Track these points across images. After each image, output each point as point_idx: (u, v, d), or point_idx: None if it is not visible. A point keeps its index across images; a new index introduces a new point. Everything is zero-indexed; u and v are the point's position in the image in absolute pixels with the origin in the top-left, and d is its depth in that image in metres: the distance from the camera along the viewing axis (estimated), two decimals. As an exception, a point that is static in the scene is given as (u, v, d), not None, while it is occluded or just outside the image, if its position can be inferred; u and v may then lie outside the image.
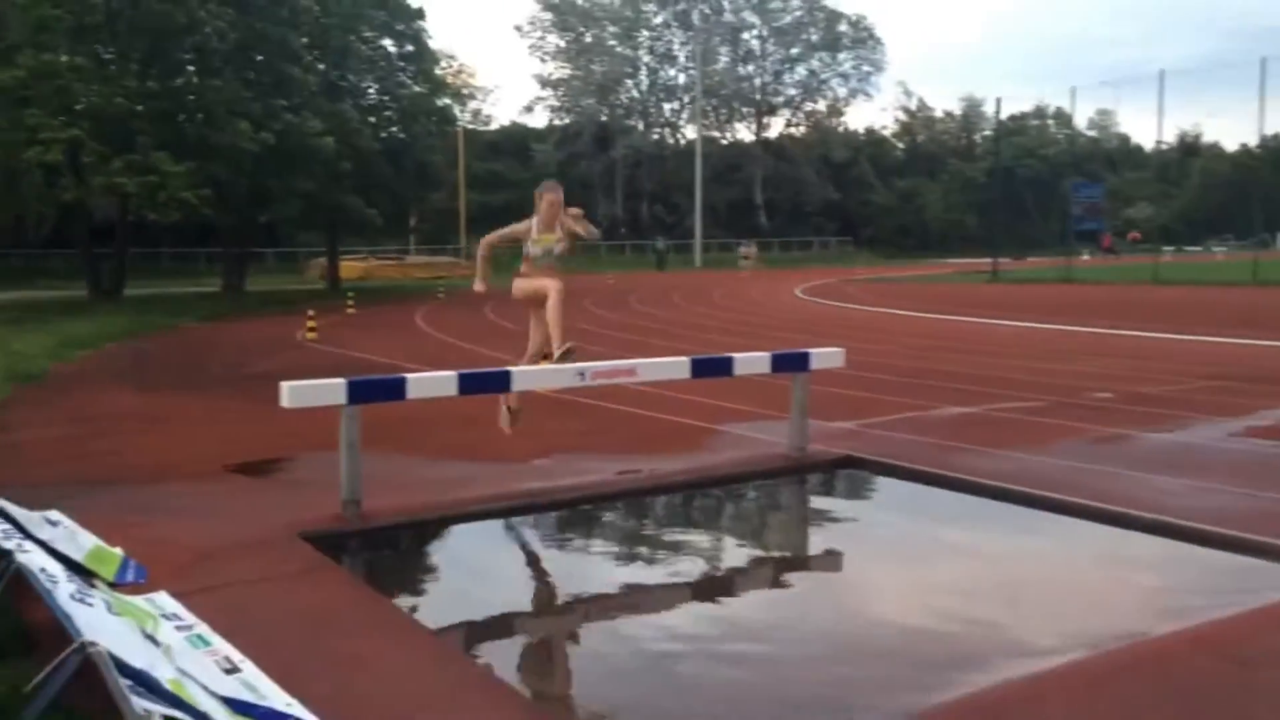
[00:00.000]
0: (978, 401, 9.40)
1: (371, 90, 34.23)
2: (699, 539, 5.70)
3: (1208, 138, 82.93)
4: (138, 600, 3.79)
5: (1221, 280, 31.37)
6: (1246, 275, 30.84)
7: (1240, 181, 67.40)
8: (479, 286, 6.75)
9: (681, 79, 72.38)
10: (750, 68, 74.31)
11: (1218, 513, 5.33)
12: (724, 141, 73.89)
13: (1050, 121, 79.20)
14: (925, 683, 3.46)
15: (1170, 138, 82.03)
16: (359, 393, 5.42)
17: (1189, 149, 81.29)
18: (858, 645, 3.97)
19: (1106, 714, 3.14)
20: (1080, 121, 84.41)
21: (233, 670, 3.26)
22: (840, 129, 76.26)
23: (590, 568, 5.03)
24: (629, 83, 72.91)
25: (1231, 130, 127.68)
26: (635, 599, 4.52)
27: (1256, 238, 50.83)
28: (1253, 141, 72.54)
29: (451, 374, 5.78)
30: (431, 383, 5.84)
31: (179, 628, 3.62)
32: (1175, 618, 3.96)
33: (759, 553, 5.44)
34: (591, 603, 4.52)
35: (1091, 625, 3.99)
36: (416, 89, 34.47)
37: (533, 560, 5.30)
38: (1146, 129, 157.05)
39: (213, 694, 2.86)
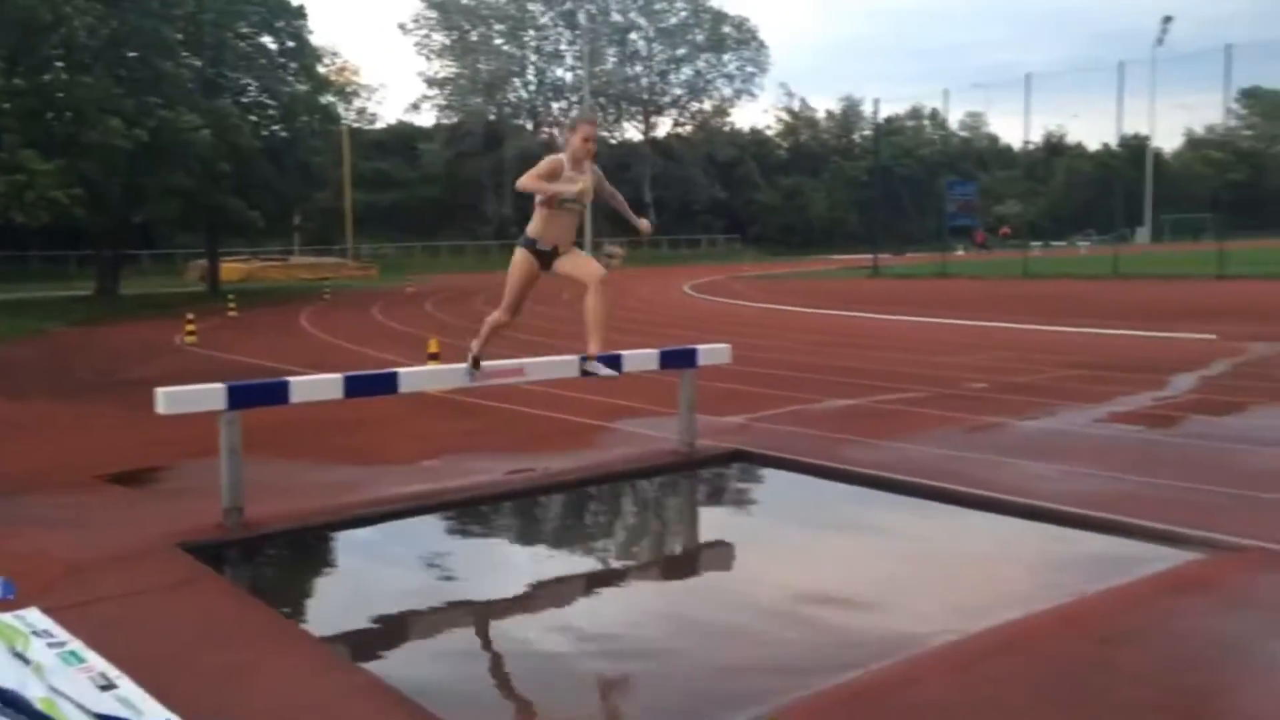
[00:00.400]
0: (861, 394, 9.62)
1: (251, 87, 33.20)
2: (591, 536, 5.70)
3: (1071, 138, 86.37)
4: (6, 618, 3.60)
5: (1085, 274, 32.75)
6: (1108, 269, 32.27)
7: (1102, 179, 70.57)
8: (574, 189, 5.35)
9: (569, 78, 72.31)
10: (637, 68, 74.65)
11: (1084, 496, 5.56)
12: (613, 141, 74.00)
13: (926, 122, 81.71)
14: (810, 670, 3.53)
15: (1037, 138, 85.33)
16: (239, 397, 5.26)
17: (1054, 149, 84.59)
18: (746, 635, 4.02)
19: (978, 692, 3.24)
20: (953, 122, 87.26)
21: (108, 687, 3.12)
22: (726, 129, 77.19)
23: (482, 569, 4.98)
24: (516, 82, 72.48)
25: (1093, 130, 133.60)
26: (527, 599, 4.49)
27: (1117, 233, 53.32)
28: (1113, 141, 76.13)
29: (337, 376, 5.66)
30: (316, 386, 5.70)
31: (51, 645, 3.44)
32: (1045, 599, 4.12)
33: (650, 548, 5.47)
34: (483, 604, 4.47)
35: (968, 608, 4.12)
36: (299, 86, 33.57)
37: (422, 563, 5.21)
38: (1015, 129, 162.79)
39: (88, 712, 2.74)
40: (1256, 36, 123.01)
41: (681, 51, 74.53)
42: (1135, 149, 70.60)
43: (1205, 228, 58.58)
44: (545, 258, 5.52)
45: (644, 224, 5.88)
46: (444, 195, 66.26)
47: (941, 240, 48.23)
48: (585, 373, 5.84)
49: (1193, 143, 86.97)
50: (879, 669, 3.46)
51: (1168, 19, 71.14)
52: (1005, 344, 14.28)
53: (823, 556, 5.00)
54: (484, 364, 5.93)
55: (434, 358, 10.33)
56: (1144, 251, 47.50)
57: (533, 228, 5.53)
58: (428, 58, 70.34)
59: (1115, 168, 67.13)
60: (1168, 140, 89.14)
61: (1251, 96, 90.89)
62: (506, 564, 5.05)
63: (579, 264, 5.56)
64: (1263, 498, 5.49)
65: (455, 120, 69.67)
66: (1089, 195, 72.04)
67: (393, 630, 4.17)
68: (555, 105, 74.19)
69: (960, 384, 10.16)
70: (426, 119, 71.26)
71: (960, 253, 52.12)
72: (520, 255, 5.56)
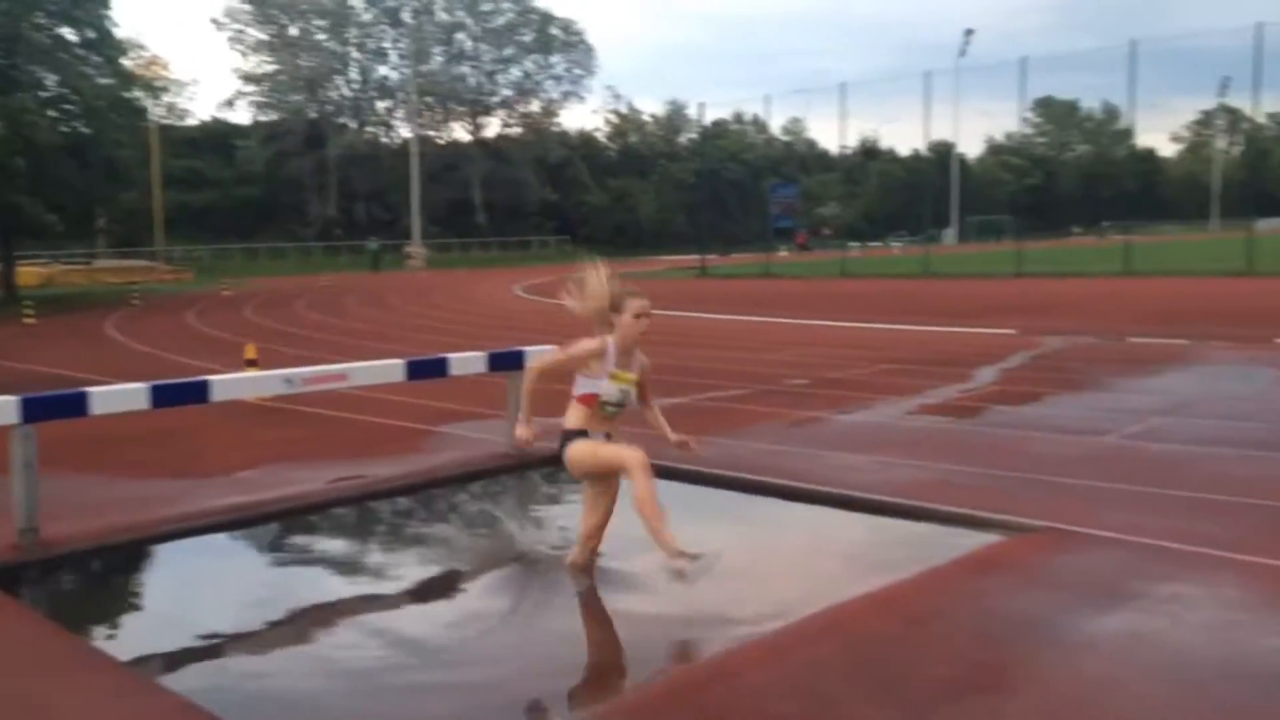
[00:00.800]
0: (687, 392, 9.79)
1: (50, 81, 31.05)
2: (418, 544, 5.59)
3: (885, 143, 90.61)
4: None
5: (899, 273, 34.34)
6: (919, 268, 33.93)
7: (912, 183, 74.22)
8: (523, 433, 4.46)
9: (395, 77, 70.82)
10: (465, 67, 73.76)
11: (897, 484, 5.82)
12: (440, 141, 72.93)
13: (749, 126, 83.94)
14: (636, 669, 3.56)
15: (853, 143, 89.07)
16: (34, 410, 4.91)
17: (869, 153, 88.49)
18: (570, 637, 4.02)
19: (795, 677, 3.34)
20: (775, 127, 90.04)
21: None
22: (555, 130, 77.22)
23: (303, 582, 4.81)
24: (339, 79, 70.44)
25: (905, 136, 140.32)
26: (350, 610, 4.36)
27: (926, 234, 56.15)
28: (922, 147, 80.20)
29: (141, 386, 5.34)
30: (118, 396, 5.37)
31: None
32: (859, 584, 4.28)
33: (479, 553, 5.40)
34: (302, 618, 4.31)
35: (788, 597, 4.24)
36: (102, 81, 31.61)
37: (239, 579, 4.99)
38: (833, 134, 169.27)
39: None
40: (1050, 50, 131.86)
41: (509, 52, 74.12)
42: (942, 154, 74.57)
43: (1005, 229, 62.35)
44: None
45: (684, 440, 4.70)
46: (263, 195, 63.80)
47: (766, 241, 49.71)
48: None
49: (993, 149, 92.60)
50: (699, 663, 3.52)
51: (969, 32, 75.48)
52: (825, 341, 14.80)
53: (647, 554, 5.05)
54: (305, 369, 5.72)
55: (252, 364, 9.91)
56: (951, 251, 50.19)
57: (570, 420, 4.47)
58: (243, 53, 67.55)
59: (924, 172, 70.69)
60: (972, 146, 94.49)
61: (1044, 106, 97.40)
62: (329, 576, 4.89)
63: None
64: (1057, 481, 5.87)
65: (274, 118, 67.17)
66: (901, 198, 75.66)
67: (204, 649, 3.97)
68: (381, 104, 72.57)
69: (782, 381, 10.47)
70: (243, 116, 68.55)
71: (783, 253, 53.81)
72: (573, 449, 4.44)
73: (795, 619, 3.87)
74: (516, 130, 75.82)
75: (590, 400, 4.38)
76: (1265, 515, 5.15)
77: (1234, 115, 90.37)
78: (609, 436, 4.47)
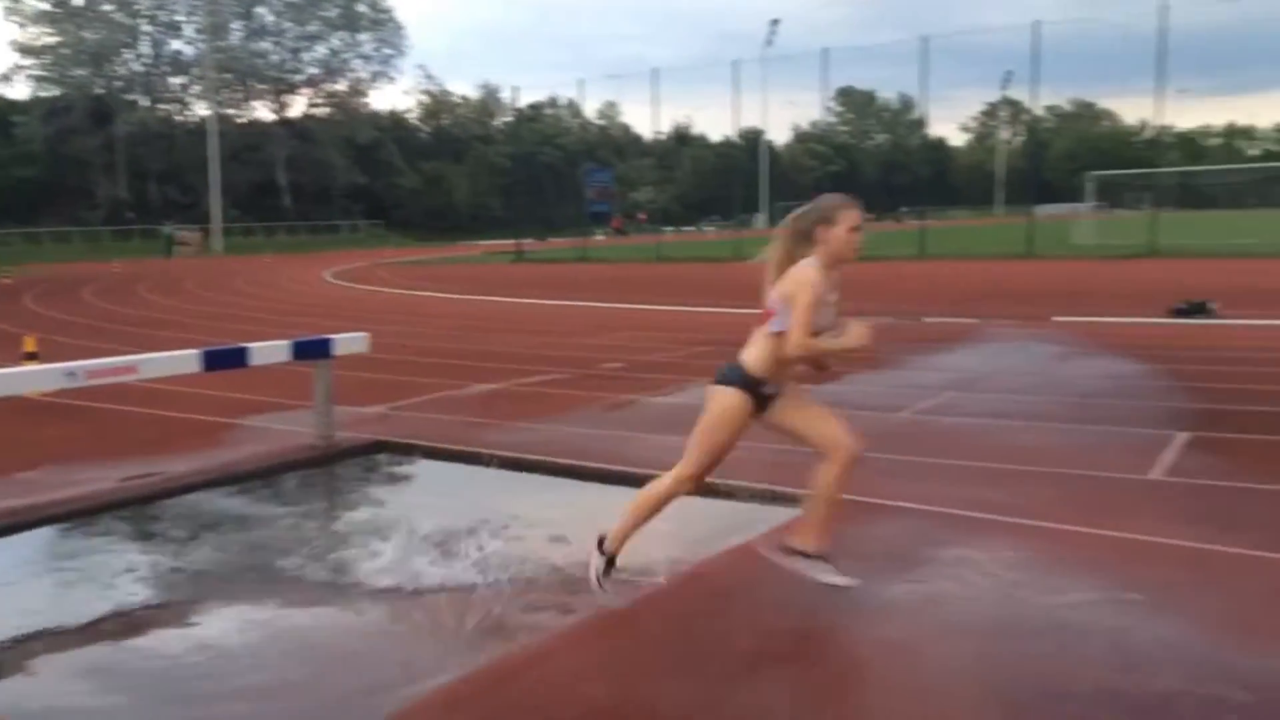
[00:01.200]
0: (505, 378, 9.72)
1: None
2: (213, 544, 5.32)
3: (697, 129, 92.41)
4: None
5: (712, 256, 35.13)
6: (731, 251, 34.81)
7: (724, 168, 75.92)
8: (859, 343, 3.84)
9: (190, 51, 67.07)
10: (266, 43, 70.64)
11: (707, 464, 5.96)
12: (241, 120, 69.63)
13: (564, 110, 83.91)
14: (447, 661, 3.51)
15: (666, 128, 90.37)
16: None
17: (682, 139, 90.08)
18: (374, 635, 3.93)
19: (613, 657, 3.38)
20: (590, 112, 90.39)
21: None
22: (365, 110, 75.03)
23: (83, 589, 4.50)
24: (128, 53, 66.17)
25: (716, 123, 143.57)
26: (135, 619, 4.11)
27: (738, 218, 57.65)
28: (733, 133, 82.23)
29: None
30: None
31: None
32: (677, 562, 4.37)
33: (280, 551, 5.19)
34: (86, 629, 4.04)
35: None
36: None
37: (12, 588, 4.63)
38: (646, 120, 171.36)
39: None
40: (852, 41, 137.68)
41: (314, 28, 71.45)
42: (752, 141, 76.63)
43: (812, 214, 64.61)
44: (763, 401, 3.88)
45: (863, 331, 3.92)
46: (44, 175, 59.40)
47: (582, 226, 49.86)
48: (817, 580, 3.91)
49: (800, 136, 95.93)
50: (509, 653, 3.51)
51: (775, 22, 77.71)
52: (641, 325, 14.99)
53: (460, 545, 4.99)
54: (90, 362, 5.34)
55: (31, 357, 9.21)
56: (763, 235, 51.62)
57: (757, 361, 3.82)
58: (20, 24, 62.51)
59: (735, 158, 72.40)
60: (780, 134, 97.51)
61: (846, 95, 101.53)
62: (111, 584, 4.60)
63: (815, 420, 3.94)
64: (862, 455, 6.12)
65: (56, 93, 62.50)
66: (713, 183, 77.33)
67: (-23, 668, 3.66)
68: (174, 80, 68.65)
69: (598, 364, 10.54)
70: (21, 92, 63.48)
71: (600, 238, 54.14)
72: (733, 399, 3.82)
73: (616, 600, 3.90)
74: (324, 110, 73.25)
75: (791, 334, 3.71)
76: (1044, 482, 5.54)
77: (1016, 108, 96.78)
78: (780, 390, 3.88)
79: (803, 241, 3.84)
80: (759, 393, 3.81)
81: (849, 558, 4.34)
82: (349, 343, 6.91)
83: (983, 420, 7.33)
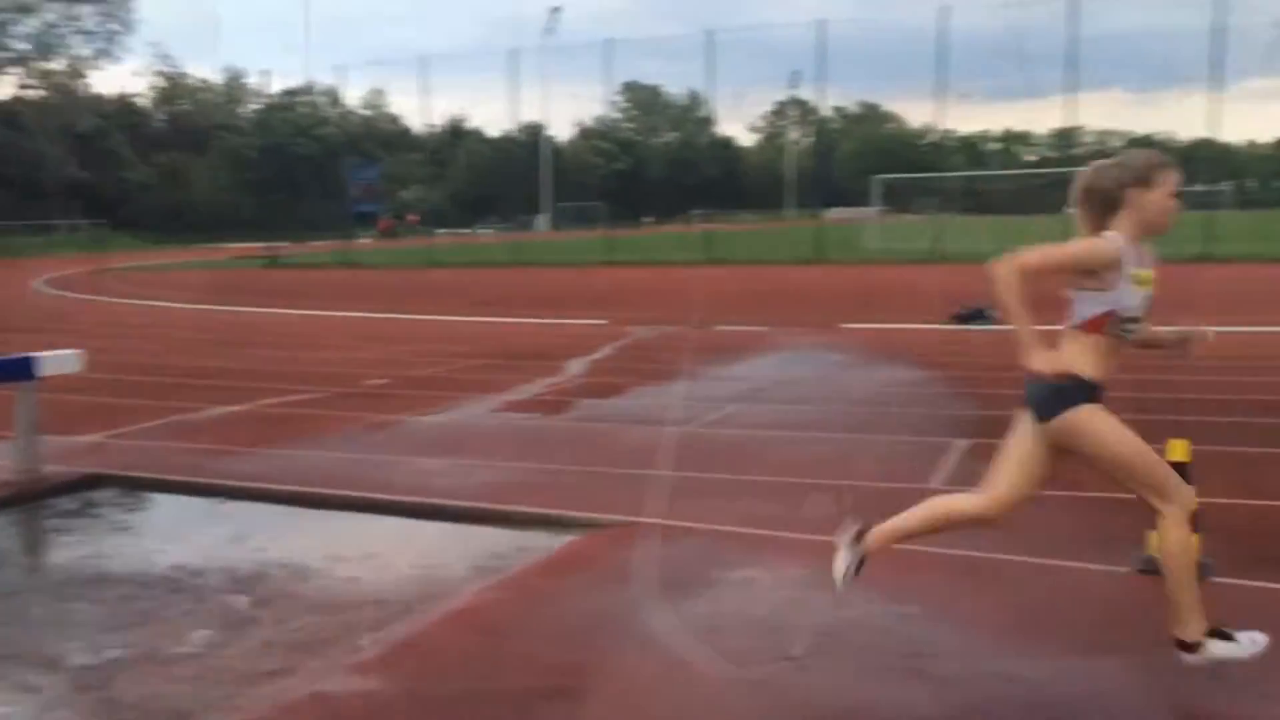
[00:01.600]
0: (250, 398, 9.31)
1: None
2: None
3: (474, 123, 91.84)
4: None
5: (489, 261, 34.99)
6: (510, 256, 34.80)
7: (503, 165, 75.81)
8: (1047, 362, 3.21)
9: None
10: (-39, 13, 65.22)
11: (478, 488, 5.90)
12: (-69, 102, 63.99)
13: (322, 98, 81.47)
14: (235, 702, 3.32)
15: (439, 121, 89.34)
16: None
17: (457, 132, 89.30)
18: (78, 691, 3.67)
19: (357, 715, 3.27)
20: (353, 101, 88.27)
21: None
22: (86, 94, 70.48)
23: None
24: None
25: (495, 116, 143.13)
26: None
27: (518, 220, 57.65)
28: (512, 127, 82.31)
29: None
30: None
31: None
32: (433, 600, 4.29)
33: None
34: None
35: (354, 620, 4.14)
36: None
37: None
38: (416, 111, 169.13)
39: None
40: (636, 33, 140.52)
41: (23, -2, 66.54)
42: (532, 136, 76.92)
43: (598, 216, 65.52)
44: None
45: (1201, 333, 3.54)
46: None
47: (346, 228, 48.63)
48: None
49: (584, 132, 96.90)
50: (246, 701, 3.35)
51: (556, 9, 78.55)
52: (410, 337, 14.73)
53: (185, 587, 4.73)
54: None
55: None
56: (544, 238, 51.92)
57: (1083, 364, 3.28)
58: None
59: (514, 154, 72.48)
60: (562, 129, 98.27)
61: (631, 90, 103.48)
62: None
63: (1027, 459, 3.46)
64: (638, 474, 6.22)
65: None
66: (491, 181, 77.06)
67: None
68: None
69: (359, 381, 10.27)
70: None
71: (365, 241, 52.93)
72: (1091, 415, 3.27)
73: (363, 646, 3.80)
74: (35, 93, 68.33)
75: (1101, 324, 3.25)
76: (827, 494, 5.79)
77: (804, 107, 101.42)
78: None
79: (1106, 207, 3.31)
80: (1098, 396, 3.30)
81: (626, 582, 4.40)
82: (58, 361, 6.47)
83: (766, 432, 7.60)
